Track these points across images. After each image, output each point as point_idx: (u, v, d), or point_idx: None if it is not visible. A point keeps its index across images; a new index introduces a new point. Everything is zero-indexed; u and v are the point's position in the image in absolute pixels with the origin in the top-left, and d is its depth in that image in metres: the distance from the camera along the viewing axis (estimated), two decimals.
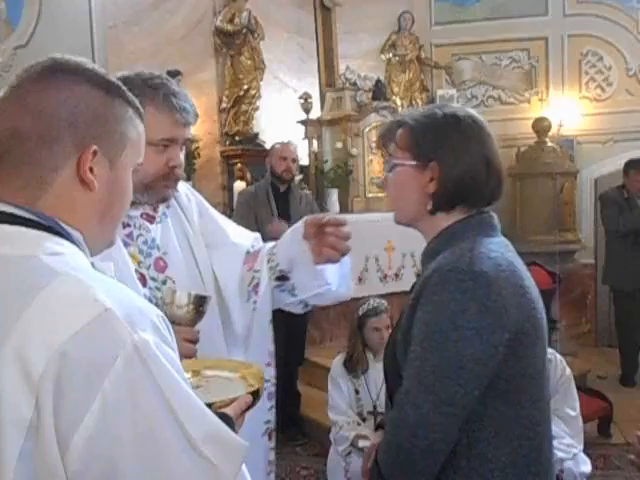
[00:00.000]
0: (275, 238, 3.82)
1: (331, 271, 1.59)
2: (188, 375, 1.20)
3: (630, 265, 4.77)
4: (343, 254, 1.55)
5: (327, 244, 1.53)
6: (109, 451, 0.74)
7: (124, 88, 0.94)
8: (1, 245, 0.82)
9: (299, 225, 1.60)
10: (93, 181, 0.88)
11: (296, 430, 4.16)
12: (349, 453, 2.97)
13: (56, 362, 0.73)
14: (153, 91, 1.36)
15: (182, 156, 1.49)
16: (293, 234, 1.62)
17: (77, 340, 0.74)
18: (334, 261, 1.55)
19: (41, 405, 0.72)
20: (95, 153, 0.87)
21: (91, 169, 0.87)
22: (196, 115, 1.47)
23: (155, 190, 1.44)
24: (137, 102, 0.97)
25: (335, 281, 1.61)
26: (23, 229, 0.83)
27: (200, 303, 1.38)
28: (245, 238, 1.73)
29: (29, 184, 0.86)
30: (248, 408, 1.09)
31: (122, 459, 0.74)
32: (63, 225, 0.87)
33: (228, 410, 1.02)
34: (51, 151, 0.86)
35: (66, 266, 0.81)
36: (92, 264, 0.90)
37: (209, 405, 1.02)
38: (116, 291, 0.82)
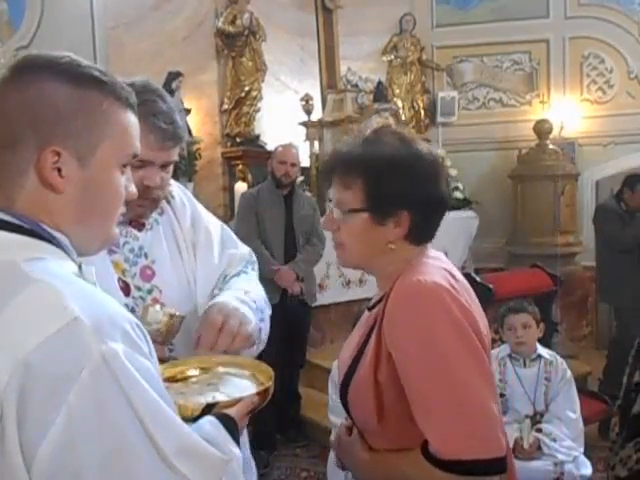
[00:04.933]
0: (283, 283, 3.83)
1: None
2: (196, 372, 1.21)
3: (631, 282, 4.36)
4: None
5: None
6: (74, 466, 0.72)
7: (102, 78, 0.88)
8: None
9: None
10: (59, 182, 0.84)
11: (296, 432, 4.16)
12: None
13: (20, 373, 0.71)
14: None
15: (162, 177, 1.38)
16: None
17: (42, 351, 0.72)
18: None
19: (5, 416, 0.71)
20: (58, 154, 0.84)
21: (59, 170, 0.84)
22: (179, 137, 1.38)
23: (128, 207, 1.37)
24: (122, 92, 0.91)
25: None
26: (3, 233, 0.81)
27: (174, 322, 1.34)
28: (232, 263, 1.60)
29: (3, 187, 0.84)
30: (255, 408, 1.07)
31: (88, 472, 0.72)
32: (45, 227, 0.84)
33: (231, 411, 1.00)
34: (14, 155, 0.83)
35: (43, 272, 0.78)
36: (80, 265, 0.88)
37: (213, 405, 1.03)
38: (90, 298, 0.79)
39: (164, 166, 1.39)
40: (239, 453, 0.92)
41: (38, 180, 0.84)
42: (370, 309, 1.37)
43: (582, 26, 6.69)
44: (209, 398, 1.07)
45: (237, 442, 0.94)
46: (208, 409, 1.02)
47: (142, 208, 1.40)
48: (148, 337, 0.84)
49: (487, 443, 1.11)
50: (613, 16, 6.62)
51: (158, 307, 1.35)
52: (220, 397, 1.08)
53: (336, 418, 3.09)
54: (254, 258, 1.70)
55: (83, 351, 0.73)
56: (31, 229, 0.83)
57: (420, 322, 1.15)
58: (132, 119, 0.93)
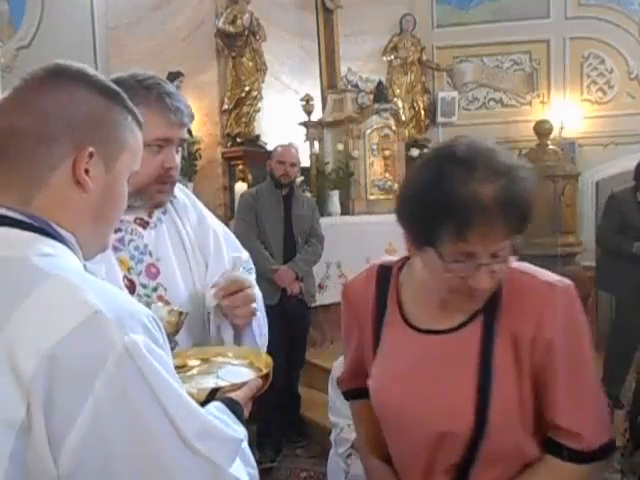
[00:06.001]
0: (282, 283, 3.86)
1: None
2: (196, 362, 1.24)
3: (630, 274, 4.22)
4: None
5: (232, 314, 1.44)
6: (103, 452, 0.75)
7: (124, 95, 0.96)
8: None
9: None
10: (88, 182, 0.89)
11: (296, 432, 4.16)
12: (349, 455, 2.96)
13: (46, 366, 0.73)
14: (147, 91, 1.33)
15: (178, 158, 1.44)
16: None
17: (66, 343, 0.74)
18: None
19: (32, 408, 0.73)
20: (91, 155, 0.88)
21: (87, 170, 0.88)
22: (191, 116, 1.44)
23: (149, 195, 1.40)
24: (136, 110, 0.98)
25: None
26: (14, 230, 0.84)
27: (177, 319, 1.36)
28: (237, 266, 1.63)
29: (24, 182, 0.87)
30: (258, 392, 1.11)
31: (116, 459, 0.75)
32: (55, 227, 0.87)
33: (235, 395, 1.04)
34: (49, 150, 0.87)
35: (57, 268, 0.81)
36: (84, 267, 0.91)
37: (217, 390, 1.06)
38: (106, 293, 0.82)
39: (177, 147, 1.43)
40: (246, 433, 0.95)
41: (69, 177, 0.88)
42: (447, 332, 1.21)
43: (582, 26, 6.70)
44: (212, 385, 1.10)
45: (243, 424, 0.98)
46: (212, 395, 1.05)
47: (162, 194, 1.43)
48: (162, 329, 0.87)
49: (610, 426, 1.20)
50: (613, 16, 6.62)
51: (161, 304, 1.38)
52: (222, 384, 1.11)
53: (336, 418, 3.09)
54: (252, 264, 1.72)
55: (107, 343, 0.76)
56: (41, 228, 0.85)
57: (574, 323, 1.16)
58: (141, 137, 0.99)
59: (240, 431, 0.94)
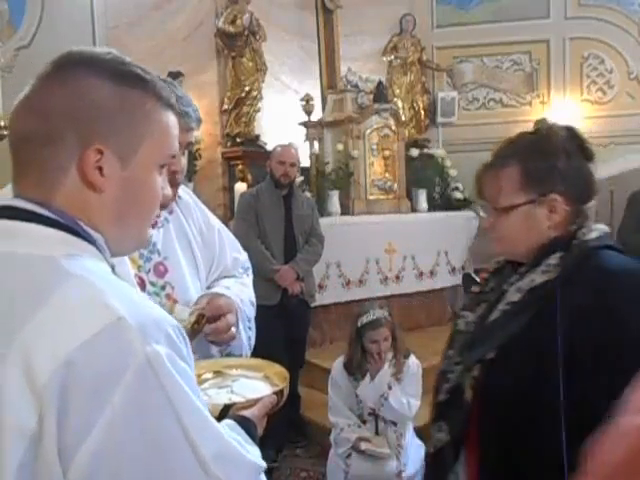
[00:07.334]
0: (284, 283, 3.88)
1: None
2: (209, 375, 1.21)
3: None
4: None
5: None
6: (115, 466, 0.71)
7: (146, 77, 0.87)
8: (19, 243, 0.78)
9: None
10: (100, 182, 0.82)
11: (296, 432, 4.16)
12: (349, 455, 2.96)
13: (62, 372, 0.69)
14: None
15: (184, 161, 1.45)
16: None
17: (86, 349, 0.70)
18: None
19: (44, 416, 0.69)
20: (101, 152, 0.82)
21: (100, 169, 0.82)
22: (199, 120, 1.44)
23: None
24: (163, 91, 0.89)
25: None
26: (42, 228, 0.80)
27: (197, 321, 1.37)
28: (236, 267, 1.70)
29: (40, 184, 0.82)
30: (273, 408, 1.07)
31: (128, 475, 0.71)
32: (83, 225, 0.82)
33: (249, 412, 1.00)
34: (55, 151, 0.81)
35: (82, 269, 0.77)
36: (113, 267, 0.86)
37: (231, 406, 1.02)
38: (131, 299, 0.77)
39: (183, 150, 1.44)
40: (259, 453, 0.91)
41: (79, 178, 0.82)
42: None
43: (582, 27, 6.70)
44: (225, 400, 1.07)
45: (256, 443, 0.94)
46: (225, 411, 1.01)
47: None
48: (187, 340, 0.82)
49: None
50: (613, 17, 6.63)
51: (187, 308, 1.39)
52: (236, 399, 1.07)
53: (336, 418, 3.09)
54: (249, 264, 1.76)
55: (127, 351, 0.71)
56: (68, 226, 0.81)
57: None
58: (172, 119, 0.91)
59: (257, 455, 0.89)
